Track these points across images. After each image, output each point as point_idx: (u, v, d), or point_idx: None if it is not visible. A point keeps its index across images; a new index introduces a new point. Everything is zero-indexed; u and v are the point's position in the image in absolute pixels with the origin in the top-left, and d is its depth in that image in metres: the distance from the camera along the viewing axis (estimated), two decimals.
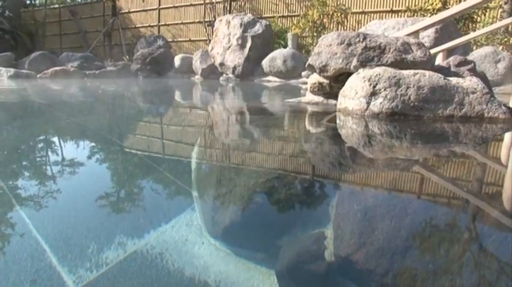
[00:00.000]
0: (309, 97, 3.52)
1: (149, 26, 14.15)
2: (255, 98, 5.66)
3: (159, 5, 13.81)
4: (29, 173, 1.66)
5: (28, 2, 18.56)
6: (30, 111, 4.07)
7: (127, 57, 12.49)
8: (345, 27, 10.10)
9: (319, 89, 3.36)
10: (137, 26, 14.44)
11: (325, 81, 3.32)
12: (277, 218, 1.31)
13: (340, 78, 3.31)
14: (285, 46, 9.58)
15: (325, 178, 1.74)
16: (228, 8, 11.95)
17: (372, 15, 9.75)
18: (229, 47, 9.11)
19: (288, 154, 2.12)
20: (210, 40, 12.06)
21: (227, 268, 0.95)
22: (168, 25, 13.68)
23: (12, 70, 9.80)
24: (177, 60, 10.60)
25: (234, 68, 9.01)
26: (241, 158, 2.03)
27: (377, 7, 9.67)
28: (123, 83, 8.82)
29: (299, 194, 1.57)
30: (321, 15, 10.11)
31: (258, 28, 8.99)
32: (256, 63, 9.03)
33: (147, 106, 4.75)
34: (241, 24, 8.98)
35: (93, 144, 2.35)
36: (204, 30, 12.47)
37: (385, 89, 2.61)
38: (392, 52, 2.94)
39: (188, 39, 13.21)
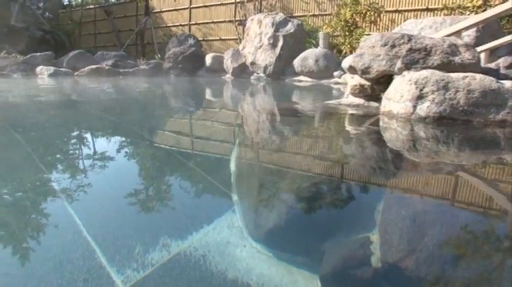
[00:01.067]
0: (350, 99, 3.49)
1: (180, 25, 14.37)
2: (291, 99, 5.64)
3: (190, 4, 13.98)
4: (77, 174, 1.70)
5: (66, 3, 19.29)
6: (77, 111, 4.22)
7: (159, 55, 12.75)
8: (378, 27, 9.89)
9: (360, 91, 3.32)
10: (168, 25, 14.70)
11: (367, 83, 3.28)
12: (320, 222, 1.31)
13: (382, 80, 3.26)
14: (316, 45, 9.49)
15: (370, 182, 1.71)
16: (258, 7, 11.97)
17: (406, 13, 9.49)
18: (261, 46, 9.12)
19: (331, 158, 2.10)
20: (240, 39, 12.13)
21: (269, 271, 0.95)
22: (199, 24, 13.84)
23: (52, 68, 10.23)
24: (208, 59, 10.73)
25: (265, 67, 9.02)
26: (282, 161, 2.04)
27: (412, 5, 9.40)
28: (157, 81, 9.01)
29: (343, 199, 1.56)
30: (353, 14, 9.94)
31: (290, 27, 8.96)
32: (287, 63, 9.00)
33: (185, 106, 4.84)
34: (273, 24, 8.98)
35: (135, 145, 2.42)
36: (235, 29, 12.54)
37: (432, 93, 2.55)
38: (438, 54, 2.87)
39: (218, 38, 13.32)
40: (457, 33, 4.35)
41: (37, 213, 1.23)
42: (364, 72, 3.17)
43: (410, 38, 3.00)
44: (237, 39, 12.55)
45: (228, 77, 10.00)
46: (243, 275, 0.91)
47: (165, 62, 10.99)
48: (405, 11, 9.48)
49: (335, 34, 10.34)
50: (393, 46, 3.03)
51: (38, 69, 10.46)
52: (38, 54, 11.01)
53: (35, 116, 3.51)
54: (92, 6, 17.73)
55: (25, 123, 3.08)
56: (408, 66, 2.92)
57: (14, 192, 1.45)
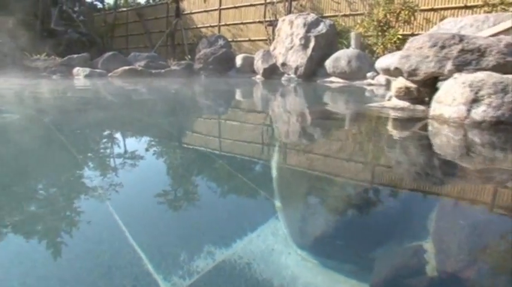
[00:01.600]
0: (394, 102, 3.38)
1: (210, 26, 14.52)
2: (327, 101, 5.55)
3: (220, 6, 14.10)
4: (120, 179, 1.69)
5: (99, 7, 19.95)
6: (116, 112, 4.31)
7: (189, 56, 12.92)
8: (412, 26, 9.61)
9: (405, 94, 3.21)
10: (198, 26, 14.89)
11: (413, 85, 3.17)
12: (367, 230, 1.26)
13: (428, 82, 3.14)
14: (348, 46, 9.33)
15: (420, 190, 1.64)
16: (288, 8, 11.90)
17: (443, 12, 9.17)
18: (292, 47, 9.06)
19: (379, 163, 2.03)
20: (270, 40, 12.10)
21: (315, 279, 0.93)
22: (228, 25, 13.93)
23: (87, 70, 10.56)
24: (238, 60, 10.77)
25: (296, 68, 8.95)
26: (325, 166, 1.98)
27: (449, 3, 9.06)
28: (189, 82, 9.13)
29: (392, 206, 1.49)
30: (387, 14, 9.70)
31: (322, 28, 8.85)
32: (318, 64, 8.90)
33: (220, 108, 4.85)
34: (304, 24, 8.90)
35: (176, 149, 2.41)
36: (264, 30, 12.53)
37: (489, 96, 2.42)
38: (494, 55, 2.72)
39: (248, 39, 13.35)
40: (506, 31, 4.14)
41: (83, 220, 1.23)
42: (411, 74, 3.06)
43: (461, 38, 2.87)
44: (266, 40, 12.54)
45: (258, 78, 10.00)
46: (288, 284, 0.89)
47: (196, 63, 11.11)
48: (441, 9, 9.16)
49: (367, 34, 10.14)
50: (443, 47, 2.91)
51: (75, 70, 10.82)
52: (75, 56, 11.39)
53: (78, 116, 3.61)
54: (124, 9, 18.24)
55: (66, 122, 3.17)
56: (459, 68, 2.79)
57: (59, 197, 1.47)
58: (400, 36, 9.14)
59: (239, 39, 13.60)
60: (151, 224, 1.22)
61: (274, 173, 1.84)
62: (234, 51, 12.51)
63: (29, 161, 1.97)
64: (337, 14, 10.99)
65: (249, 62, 10.51)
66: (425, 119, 2.90)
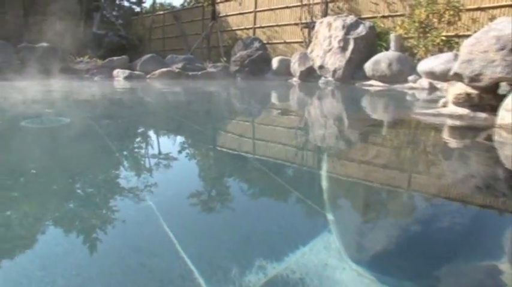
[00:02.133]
0: (451, 109, 3.22)
1: (245, 28, 14.59)
2: (373, 106, 5.39)
3: (255, 8, 14.14)
4: (170, 190, 1.66)
5: (137, 10, 20.59)
6: (160, 115, 4.38)
7: (224, 59, 13.02)
8: (456, 27, 9.19)
9: (466, 101, 3.05)
10: (233, 28, 15.00)
11: (474, 91, 3.00)
12: (431, 245, 1.18)
13: (491, 88, 2.96)
14: (387, 48, 9.06)
15: (491, 206, 1.52)
16: (324, 10, 11.74)
17: (491, 11, 8.71)
18: (330, 49, 8.92)
19: (440, 176, 1.91)
20: (305, 42, 11.99)
21: None
22: (263, 27, 13.94)
23: (127, 71, 10.87)
24: (274, 62, 10.74)
25: (334, 71, 8.80)
26: (383, 177, 1.88)
27: (498, 1, 8.59)
28: (226, 84, 9.18)
29: (459, 222, 1.38)
30: (430, 15, 9.33)
31: (361, 30, 8.65)
32: (357, 67, 8.70)
33: (260, 112, 4.82)
34: (343, 26, 8.74)
35: (222, 158, 2.35)
36: (300, 32, 12.43)
37: None
38: None
39: (283, 41, 13.30)
40: None
41: (135, 231, 1.22)
42: (473, 79, 2.89)
43: None
44: (302, 42, 12.43)
45: (295, 80, 9.91)
46: None
47: (232, 65, 11.18)
48: (490, 8, 8.70)
49: (407, 36, 9.80)
50: None
51: (115, 72, 11.17)
52: (115, 58, 11.77)
53: (131, 120, 3.69)
54: (161, 12, 18.70)
55: (120, 126, 3.24)
56: None
57: (109, 206, 1.45)
58: (443, 38, 8.78)
59: (274, 41, 13.57)
60: (201, 236, 1.20)
61: (324, 183, 1.78)
62: (269, 53, 12.50)
63: (78, 168, 1.99)
64: (375, 15, 10.71)
65: (285, 65, 10.44)
66: (489, 127, 2.73)
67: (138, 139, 2.75)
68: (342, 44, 8.70)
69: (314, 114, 4.43)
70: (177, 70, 10.77)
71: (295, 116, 4.23)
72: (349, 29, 8.70)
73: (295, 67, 9.83)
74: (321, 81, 9.28)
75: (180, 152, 2.39)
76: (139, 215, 1.33)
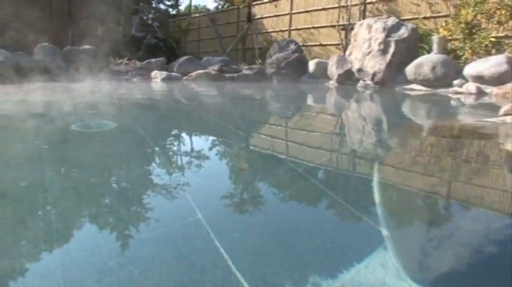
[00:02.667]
0: None
1: (280, 30, 14.54)
2: (422, 112, 5.19)
3: (291, 10, 14.07)
4: (219, 202, 1.61)
5: (172, 13, 21.05)
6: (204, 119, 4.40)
7: (259, 61, 13.04)
8: (508, 26, 8.68)
9: None
10: (268, 30, 14.99)
11: None
12: (507, 269, 1.08)
13: None
14: (429, 51, 8.72)
15: None
16: (363, 11, 11.49)
17: None
18: (370, 52, 8.70)
19: None
20: (342, 44, 11.78)
21: None
22: (299, 29, 13.84)
23: (164, 73, 11.10)
24: (311, 65, 10.62)
25: (374, 74, 8.58)
26: (443, 190, 1.77)
27: None
28: (264, 87, 9.16)
29: None
30: (478, 15, 8.90)
31: (403, 32, 8.38)
32: (398, 70, 8.44)
33: (306, 119, 4.75)
34: (384, 28, 8.50)
35: (270, 168, 2.29)
36: (336, 34, 12.24)
37: None
38: None
39: (318, 43, 13.15)
40: None
41: (186, 246, 1.20)
42: None
43: None
44: (338, 44, 12.23)
45: (332, 83, 9.75)
46: None
47: (268, 67, 11.17)
48: None
49: (451, 38, 9.39)
50: None
51: (153, 73, 11.44)
52: (153, 60, 12.06)
53: (180, 123, 3.73)
54: (197, 15, 19.01)
55: (151, 122, 3.27)
56: None
57: (161, 220, 1.42)
58: (492, 39, 8.34)
59: (309, 43, 13.43)
60: (253, 252, 1.17)
61: (377, 195, 1.69)
62: (305, 55, 12.39)
63: (126, 178, 1.99)
64: (416, 16, 10.35)
65: (322, 67, 10.30)
66: None
67: (184, 147, 2.73)
68: (382, 47, 8.47)
69: (360, 119, 4.31)
70: (213, 72, 10.88)
71: (339, 121, 4.14)
72: (390, 31, 8.46)
73: (333, 70, 9.67)
74: (359, 84, 9.08)
75: (228, 163, 2.37)
76: (188, 229, 1.31)
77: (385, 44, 8.43)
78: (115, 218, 1.39)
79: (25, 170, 1.97)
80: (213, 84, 9.38)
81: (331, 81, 9.84)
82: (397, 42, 8.33)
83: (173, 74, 11.17)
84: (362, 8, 11.45)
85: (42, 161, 2.11)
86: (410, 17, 10.47)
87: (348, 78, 9.50)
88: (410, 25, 8.64)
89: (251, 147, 2.72)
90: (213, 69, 11.17)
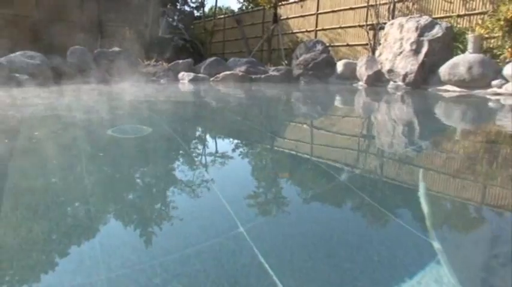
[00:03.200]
0: None
1: (306, 31, 14.42)
2: (466, 115, 4.96)
3: (317, 10, 13.92)
4: (260, 214, 1.56)
5: (197, 15, 21.26)
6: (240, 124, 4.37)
7: (285, 62, 12.96)
8: None
9: None
10: (294, 31, 14.89)
11: None
12: None
13: None
14: (463, 50, 8.39)
15: None
16: (392, 10, 11.22)
17: None
18: (401, 52, 8.48)
19: None
20: (370, 45, 11.55)
21: None
22: (325, 30, 13.67)
23: (191, 74, 11.18)
24: (339, 66, 10.46)
25: (405, 75, 8.34)
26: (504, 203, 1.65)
27: None
28: (292, 88, 9.07)
29: None
30: None
31: (437, 31, 8.11)
32: (431, 71, 8.18)
33: (343, 123, 4.65)
34: (416, 28, 8.25)
35: (310, 178, 2.20)
36: (365, 34, 12.01)
37: None
38: None
39: (345, 43, 12.94)
40: None
41: (230, 261, 1.16)
42: None
43: None
44: (366, 44, 12.00)
45: (361, 85, 9.56)
46: None
47: (295, 68, 11.07)
48: None
49: (488, 36, 9.00)
50: None
51: (180, 75, 11.55)
52: (180, 61, 12.18)
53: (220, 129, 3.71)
54: (222, 16, 19.12)
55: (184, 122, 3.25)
56: None
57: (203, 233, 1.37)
58: None
59: (336, 44, 13.25)
60: (298, 266, 1.12)
61: (425, 206, 1.60)
62: (333, 56, 12.23)
63: (162, 190, 1.95)
64: (449, 14, 10.00)
65: (350, 68, 10.12)
66: None
67: (222, 155, 2.62)
68: (414, 47, 8.23)
69: (398, 123, 4.17)
70: (240, 73, 10.87)
71: (377, 125, 4.02)
72: (423, 30, 8.20)
73: (362, 71, 9.48)
74: (390, 86, 8.85)
75: (268, 171, 2.29)
76: (231, 243, 1.26)
77: (418, 43, 8.19)
78: (156, 234, 1.35)
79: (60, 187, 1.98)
80: (240, 86, 9.35)
81: (360, 83, 9.64)
82: (430, 41, 8.07)
83: (200, 75, 11.23)
84: (391, 7, 11.17)
85: (80, 173, 2.12)
86: (442, 15, 10.14)
87: (378, 80, 9.28)
88: (444, 24, 8.35)
89: (291, 154, 2.64)
90: (239, 70, 11.16)
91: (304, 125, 3.86)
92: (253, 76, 10.80)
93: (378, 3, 11.37)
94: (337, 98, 7.30)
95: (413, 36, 8.28)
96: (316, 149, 2.80)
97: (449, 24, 8.47)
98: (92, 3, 14.42)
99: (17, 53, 9.24)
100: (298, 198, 1.75)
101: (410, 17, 8.80)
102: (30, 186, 1.82)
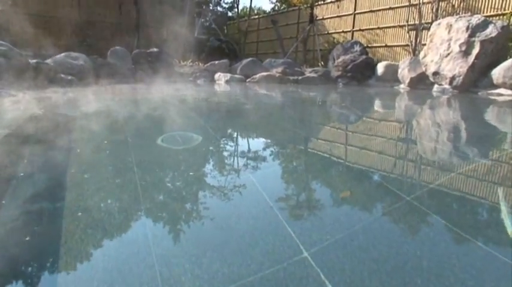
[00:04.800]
0: None
1: (342, 31, 14.10)
2: None
3: (355, 10, 13.57)
4: (325, 238, 1.41)
5: (229, 15, 21.33)
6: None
7: (321, 63, 12.72)
8: None
9: None
10: (330, 31, 14.61)
11: None
12: None
13: None
14: None
15: None
16: (437, 10, 10.73)
17: None
18: (448, 54, 8.07)
19: None
20: (411, 46, 11.12)
21: None
22: (363, 30, 13.31)
23: (228, 75, 11.17)
24: (380, 68, 10.11)
25: (453, 78, 7.93)
26: None
27: None
28: (332, 91, 8.84)
29: None
30: None
31: (491, 31, 7.64)
32: (482, 73, 7.73)
33: (395, 130, 4.43)
34: (467, 28, 7.82)
35: (365, 189, 2.05)
36: (404, 35, 11.58)
37: None
38: None
39: (384, 44, 12.54)
40: None
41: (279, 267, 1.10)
42: None
43: None
44: (406, 45, 11.57)
45: (403, 87, 9.20)
46: None
47: (333, 70, 10.82)
48: None
49: None
50: None
51: (216, 75, 11.58)
52: (216, 62, 12.21)
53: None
54: (256, 17, 19.08)
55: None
56: None
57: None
58: None
59: (374, 45, 12.86)
60: (354, 280, 1.05)
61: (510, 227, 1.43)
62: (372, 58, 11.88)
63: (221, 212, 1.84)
64: (501, 12, 9.43)
65: (391, 70, 9.77)
66: None
67: (279, 169, 2.46)
68: (464, 48, 7.80)
69: (455, 132, 3.91)
70: (277, 75, 10.76)
71: (435, 134, 3.77)
72: (474, 30, 7.76)
73: (404, 73, 9.12)
74: (435, 89, 8.45)
75: (328, 188, 2.12)
76: (296, 269, 1.16)
77: (468, 44, 7.76)
78: (217, 261, 1.23)
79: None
80: (279, 88, 9.20)
81: (402, 85, 9.28)
82: (482, 42, 7.61)
83: (236, 76, 11.20)
84: (435, 6, 10.68)
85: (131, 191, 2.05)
86: (493, 13, 9.58)
87: (421, 82, 8.90)
88: (500, 23, 7.85)
89: (354, 169, 2.44)
90: (276, 71, 11.05)
91: (364, 135, 3.67)
92: (290, 78, 10.64)
93: (420, 2, 10.91)
94: (386, 102, 6.98)
95: (463, 36, 7.85)
96: (379, 163, 2.62)
97: (505, 23, 7.94)
98: (129, 6, 14.75)
99: (62, 54, 9.55)
100: (365, 219, 1.58)
101: (460, 17, 8.36)
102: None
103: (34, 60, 8.06)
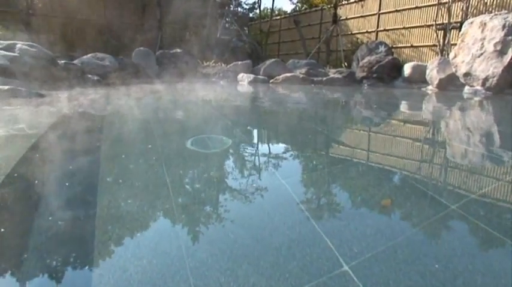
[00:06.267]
0: None
1: (366, 32, 13.86)
2: None
3: (379, 10, 13.31)
4: (366, 250, 1.31)
5: (250, 16, 21.30)
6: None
7: (345, 64, 12.52)
8: None
9: None
10: (354, 32, 14.38)
11: None
12: None
13: None
14: None
15: None
16: (466, 8, 10.38)
17: None
18: (482, 54, 7.76)
19: None
20: (439, 46, 10.80)
21: None
22: (387, 30, 13.03)
23: (251, 76, 11.11)
24: (407, 69, 9.84)
25: (485, 79, 7.63)
26: None
27: None
28: (358, 92, 8.63)
29: None
30: None
31: None
32: None
33: (437, 138, 4.26)
34: (503, 26, 7.50)
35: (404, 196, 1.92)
36: (431, 34, 11.26)
37: None
38: None
39: (409, 45, 12.24)
40: None
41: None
42: None
43: None
44: (433, 46, 11.25)
45: (431, 89, 8.92)
46: None
47: (358, 71, 10.61)
48: None
49: None
50: None
51: (239, 76, 11.54)
52: (239, 62, 12.18)
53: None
54: (278, 17, 18.99)
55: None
56: None
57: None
58: None
59: (399, 45, 12.57)
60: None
61: None
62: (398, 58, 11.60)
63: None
64: None
65: (419, 71, 9.50)
66: None
67: (314, 180, 2.30)
68: (499, 48, 7.49)
69: (496, 136, 3.72)
70: (301, 76, 10.63)
71: (476, 140, 3.59)
72: (511, 28, 7.44)
73: (433, 74, 8.84)
74: (465, 90, 8.15)
75: (367, 196, 1.99)
76: (336, 284, 1.09)
77: (504, 44, 7.44)
78: (255, 275, 1.16)
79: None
80: (303, 89, 9.05)
81: (430, 87, 9.00)
82: None
83: (259, 77, 11.12)
84: (466, 4, 10.31)
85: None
86: None
87: (451, 84, 8.61)
88: None
89: (389, 175, 2.33)
90: (300, 72, 10.93)
91: (404, 139, 3.52)
92: (315, 78, 10.49)
93: (450, 0, 10.57)
94: (417, 104, 6.75)
95: (498, 35, 7.54)
96: (419, 170, 2.48)
97: None
98: (153, 8, 14.92)
99: (88, 55, 9.72)
100: (408, 229, 1.47)
101: (495, 14, 8.03)
102: None
103: (62, 61, 8.22)
